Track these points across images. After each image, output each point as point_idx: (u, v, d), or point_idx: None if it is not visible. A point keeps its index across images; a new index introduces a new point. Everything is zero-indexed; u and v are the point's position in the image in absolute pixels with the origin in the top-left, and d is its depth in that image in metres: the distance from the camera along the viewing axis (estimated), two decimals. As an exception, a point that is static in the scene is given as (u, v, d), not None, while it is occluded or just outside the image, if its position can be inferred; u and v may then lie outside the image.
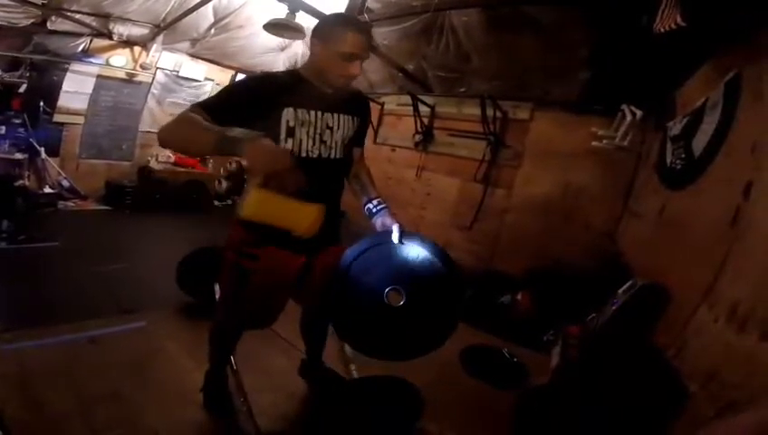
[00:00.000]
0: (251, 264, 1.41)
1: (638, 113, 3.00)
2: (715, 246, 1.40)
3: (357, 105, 1.59)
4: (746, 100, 1.49)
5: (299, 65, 5.91)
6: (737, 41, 1.57)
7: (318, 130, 1.39)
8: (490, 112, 4.35)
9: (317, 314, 1.86)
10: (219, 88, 5.92)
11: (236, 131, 1.24)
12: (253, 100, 1.33)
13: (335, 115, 1.44)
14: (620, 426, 1.10)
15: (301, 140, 1.37)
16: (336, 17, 1.50)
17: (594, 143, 3.44)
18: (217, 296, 2.18)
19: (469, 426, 1.83)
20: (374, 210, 1.70)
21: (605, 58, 2.52)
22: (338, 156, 1.48)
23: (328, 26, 1.38)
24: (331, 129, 1.43)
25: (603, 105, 3.53)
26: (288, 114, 1.33)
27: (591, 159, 3.81)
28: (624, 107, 3.08)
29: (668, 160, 2.34)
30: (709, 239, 1.50)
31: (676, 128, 2.27)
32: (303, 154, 1.38)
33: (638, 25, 1.75)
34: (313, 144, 1.39)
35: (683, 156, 2.07)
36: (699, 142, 1.84)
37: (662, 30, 1.49)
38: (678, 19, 1.37)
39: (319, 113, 1.39)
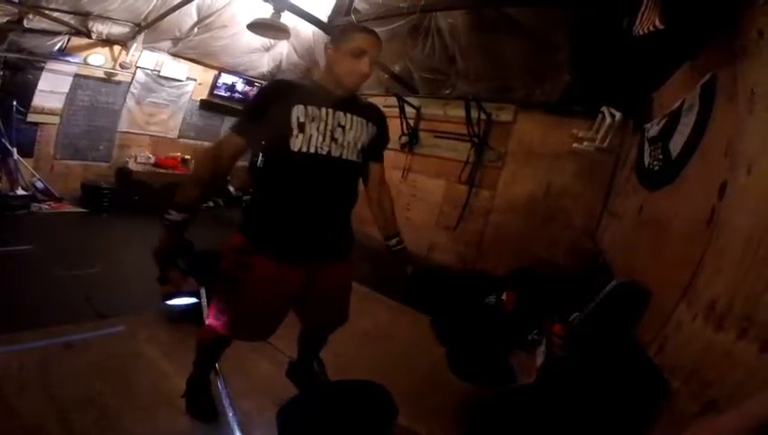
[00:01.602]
0: (244, 274, 1.38)
1: (617, 115, 3.08)
2: (692, 245, 1.43)
3: (372, 113, 1.58)
4: (721, 101, 1.53)
5: (283, 66, 5.89)
6: (713, 43, 1.62)
7: (329, 127, 1.38)
8: (474, 114, 4.40)
9: (322, 333, 1.88)
10: (201, 87, 5.87)
11: (174, 216, 1.34)
12: (267, 105, 1.38)
13: (347, 115, 1.44)
14: (604, 423, 1.12)
15: (311, 136, 1.35)
16: (347, 24, 1.62)
17: (575, 145, 3.52)
18: (204, 303, 2.15)
19: (456, 426, 1.84)
20: (392, 250, 1.79)
21: (585, 60, 2.57)
22: (351, 157, 1.45)
23: (339, 30, 1.49)
24: (344, 127, 1.42)
25: (583, 107, 3.61)
26: (298, 110, 1.34)
27: (572, 161, 3.89)
28: (603, 109, 3.15)
29: (646, 162, 2.40)
30: (686, 239, 1.54)
31: (653, 129, 2.32)
32: (313, 150, 1.36)
33: (618, 28, 1.79)
34: (323, 140, 1.38)
35: (660, 157, 2.12)
36: (676, 144, 1.89)
37: (642, 32, 1.53)
38: (657, 21, 1.41)
39: (330, 111, 1.39)
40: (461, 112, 4.46)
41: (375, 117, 1.59)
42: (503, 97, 4.34)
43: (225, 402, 1.69)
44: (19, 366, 1.72)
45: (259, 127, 1.37)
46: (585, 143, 3.43)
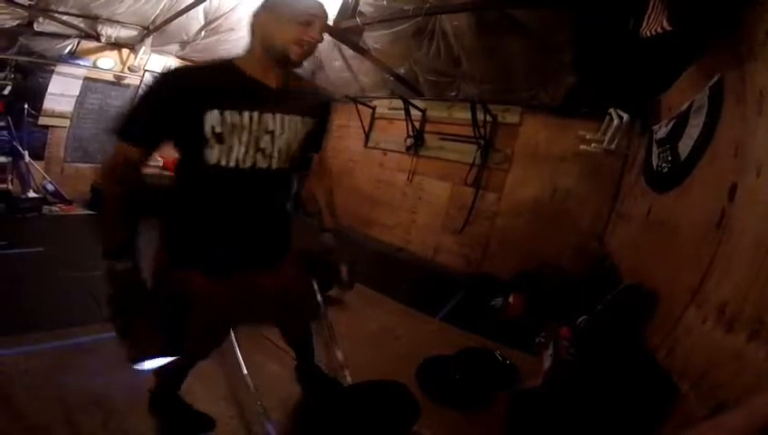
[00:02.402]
0: (176, 288, 1.19)
1: (625, 117, 3.06)
2: (701, 247, 1.42)
3: (310, 102, 1.32)
4: (729, 103, 1.52)
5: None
6: (720, 44, 1.61)
7: (254, 136, 1.14)
8: (480, 116, 4.39)
9: (296, 331, 1.77)
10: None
11: (119, 266, 1.09)
12: (164, 107, 1.09)
13: (277, 116, 1.17)
14: (613, 426, 1.11)
15: (231, 147, 1.12)
16: None
17: (582, 147, 3.50)
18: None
19: (463, 430, 1.83)
20: (322, 248, 1.59)
21: (590, 62, 2.56)
22: (281, 166, 1.23)
23: None
24: (272, 133, 1.17)
25: (590, 109, 3.59)
26: (213, 118, 1.08)
27: (579, 163, 3.87)
28: (611, 111, 3.14)
29: (655, 163, 2.38)
30: (696, 241, 1.53)
31: (662, 131, 2.31)
32: (233, 164, 1.13)
33: (623, 29, 1.78)
34: (246, 152, 1.14)
35: (669, 159, 2.11)
36: (685, 145, 1.87)
37: (648, 34, 1.52)
38: (665, 23, 1.40)
39: (255, 114, 1.13)
40: (466, 114, 4.46)
41: (313, 107, 1.33)
42: (508, 99, 4.33)
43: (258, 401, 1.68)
44: (28, 367, 1.74)
45: (157, 129, 1.12)
46: (592, 145, 3.41)
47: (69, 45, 4.58)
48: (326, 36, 4.58)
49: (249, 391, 1.72)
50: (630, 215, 2.91)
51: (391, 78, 5.02)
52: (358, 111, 5.76)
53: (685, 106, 1.95)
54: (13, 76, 4.30)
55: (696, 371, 1.12)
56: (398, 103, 5.12)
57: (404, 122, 5.24)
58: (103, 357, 1.92)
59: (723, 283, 1.22)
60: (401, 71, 4.76)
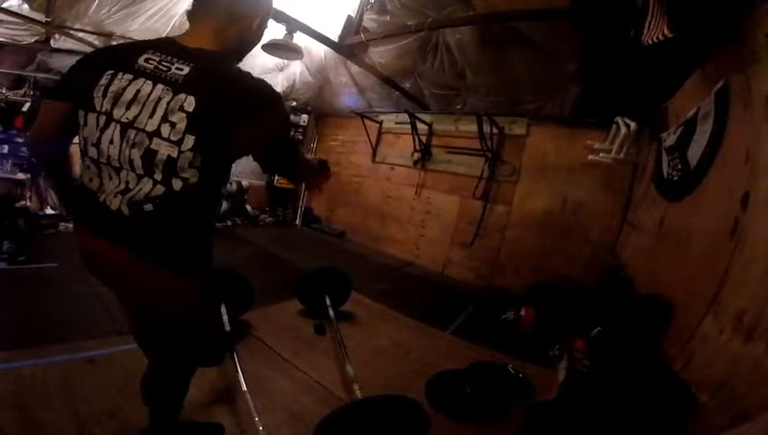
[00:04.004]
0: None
1: (632, 125, 3.05)
2: (716, 257, 1.40)
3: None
4: (736, 108, 1.51)
5: (297, 84, 6.03)
6: (723, 49, 1.61)
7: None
8: (487, 129, 4.41)
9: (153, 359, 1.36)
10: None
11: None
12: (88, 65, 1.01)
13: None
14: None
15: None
16: None
17: (590, 157, 3.49)
18: (225, 319, 2.18)
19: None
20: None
21: (595, 71, 2.57)
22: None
23: None
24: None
25: (597, 118, 3.59)
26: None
27: (588, 173, 3.85)
28: (618, 119, 3.13)
29: (665, 172, 2.36)
30: (710, 251, 1.50)
31: (670, 139, 2.29)
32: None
33: (626, 38, 1.79)
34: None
35: (679, 167, 2.09)
36: (694, 153, 1.86)
37: (650, 42, 1.53)
38: (666, 30, 1.41)
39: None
40: (473, 127, 4.48)
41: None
42: (514, 110, 4.36)
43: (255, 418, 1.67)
44: (43, 379, 1.76)
45: (80, 81, 0.98)
46: (601, 154, 3.40)
47: None
48: (332, 53, 4.70)
49: (249, 407, 1.70)
50: (642, 224, 2.88)
51: (396, 93, 5.08)
52: (365, 127, 5.83)
53: (691, 112, 1.94)
54: (32, 93, 4.40)
55: (715, 381, 1.09)
56: (405, 118, 5.18)
57: (411, 136, 5.29)
58: (117, 369, 1.94)
59: (739, 292, 1.19)
60: (406, 85, 4.83)
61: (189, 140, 0.88)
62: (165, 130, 0.88)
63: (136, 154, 0.90)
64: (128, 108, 0.90)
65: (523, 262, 4.20)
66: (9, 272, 2.76)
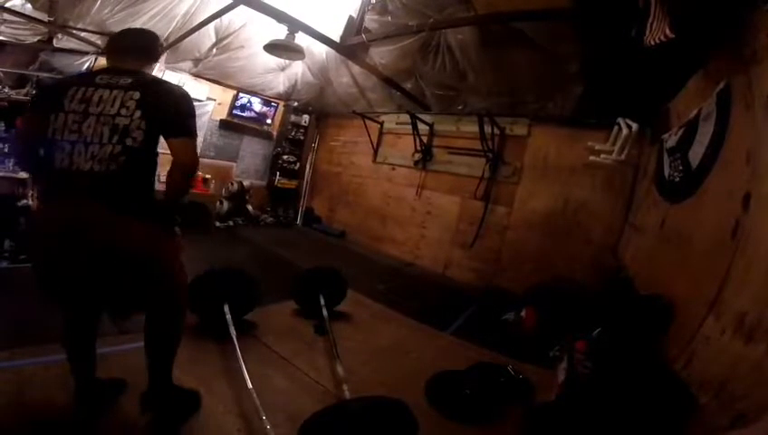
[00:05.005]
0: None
1: (634, 126, 3.04)
2: (717, 258, 1.39)
3: None
4: (738, 109, 1.51)
5: (299, 85, 6.03)
6: (724, 50, 1.60)
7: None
8: (488, 129, 4.41)
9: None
10: (221, 107, 6.05)
11: None
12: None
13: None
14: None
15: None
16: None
17: (592, 157, 3.48)
18: (228, 319, 2.21)
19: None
20: None
21: (596, 71, 2.56)
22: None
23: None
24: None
25: (598, 119, 3.58)
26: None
27: (590, 174, 3.84)
28: (619, 120, 3.12)
29: (666, 173, 2.35)
30: (711, 251, 1.50)
31: (671, 140, 2.29)
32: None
33: (627, 38, 1.79)
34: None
35: (680, 168, 2.08)
36: (695, 154, 1.85)
37: (652, 42, 1.52)
38: (667, 31, 1.41)
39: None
40: (474, 128, 4.48)
41: None
42: (516, 111, 4.35)
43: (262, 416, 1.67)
44: (44, 378, 1.76)
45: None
46: (602, 155, 3.39)
47: (87, 62, 4.71)
48: (333, 53, 4.71)
49: (255, 404, 1.70)
50: (644, 226, 2.87)
51: (398, 93, 5.08)
52: (366, 127, 5.83)
53: (693, 113, 1.93)
54: (34, 92, 4.42)
55: (715, 382, 1.08)
56: (406, 118, 5.18)
57: (412, 137, 5.29)
58: (116, 369, 1.93)
59: (741, 293, 1.19)
60: (408, 86, 4.83)
61: (137, 114, 1.38)
62: (122, 111, 1.38)
63: (105, 129, 1.36)
64: (98, 105, 1.38)
65: (524, 262, 4.19)
66: (10, 271, 2.76)
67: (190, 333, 2.28)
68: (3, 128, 4.13)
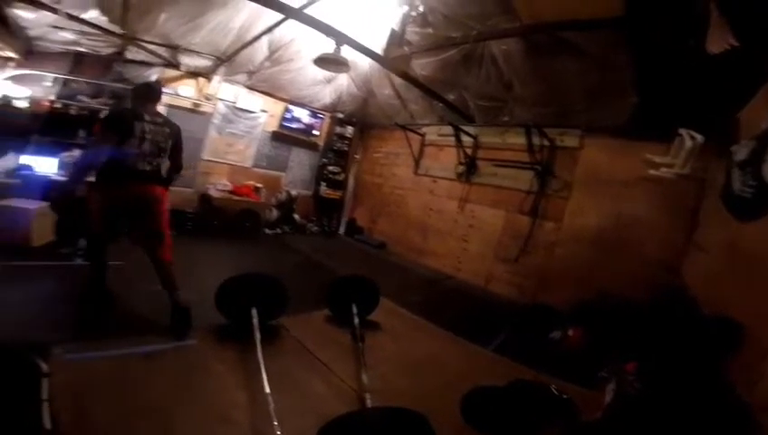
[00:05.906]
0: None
1: (699, 138, 2.82)
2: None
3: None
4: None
5: (344, 97, 6.19)
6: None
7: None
8: (536, 141, 4.27)
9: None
10: (272, 119, 6.34)
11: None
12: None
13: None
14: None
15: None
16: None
17: (651, 171, 3.26)
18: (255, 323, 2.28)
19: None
20: None
21: (652, 81, 2.41)
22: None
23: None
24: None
25: (656, 130, 3.35)
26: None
27: (646, 188, 3.60)
28: (683, 132, 2.91)
29: (736, 188, 2.16)
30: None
31: (741, 152, 2.10)
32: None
33: (684, 47, 1.68)
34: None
35: (752, 183, 1.91)
36: (769, 167, 1.69)
37: (715, 51, 1.42)
38: (731, 39, 1.31)
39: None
40: (521, 139, 4.36)
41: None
42: (565, 122, 4.17)
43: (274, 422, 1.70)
44: (99, 370, 1.88)
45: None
46: (662, 169, 3.17)
47: (155, 73, 5.15)
48: (375, 65, 4.81)
49: (269, 411, 1.72)
50: (710, 244, 2.64)
51: (440, 104, 5.06)
52: (407, 139, 5.86)
53: (765, 124, 1.77)
54: (111, 102, 4.83)
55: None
56: (448, 130, 5.15)
57: (454, 149, 5.24)
58: (168, 366, 2.05)
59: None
60: (450, 97, 4.80)
61: (169, 143, 2.65)
62: (161, 139, 2.59)
63: (155, 149, 2.56)
64: (150, 135, 2.52)
65: (571, 279, 3.97)
66: (83, 268, 3.03)
67: (237, 334, 2.38)
68: (84, 135, 4.58)
